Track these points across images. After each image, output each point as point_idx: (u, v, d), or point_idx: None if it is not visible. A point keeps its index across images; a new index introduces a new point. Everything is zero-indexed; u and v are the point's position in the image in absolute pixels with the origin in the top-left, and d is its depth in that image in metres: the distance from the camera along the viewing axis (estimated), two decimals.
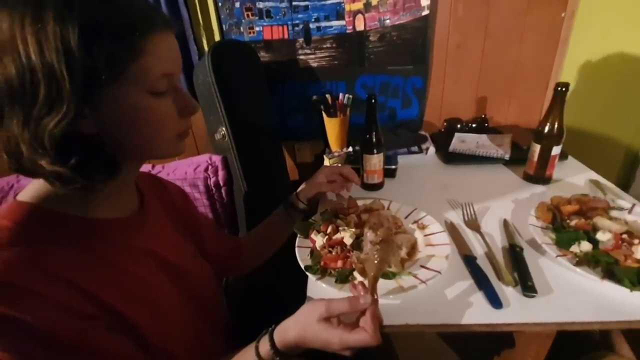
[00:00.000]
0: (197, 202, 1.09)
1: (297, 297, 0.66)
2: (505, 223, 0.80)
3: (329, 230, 0.75)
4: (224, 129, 1.03)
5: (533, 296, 0.60)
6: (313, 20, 1.14)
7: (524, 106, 1.25)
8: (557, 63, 1.17)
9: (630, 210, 0.76)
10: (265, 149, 1.21)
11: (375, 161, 0.94)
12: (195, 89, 1.07)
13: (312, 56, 1.20)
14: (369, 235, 0.68)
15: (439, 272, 0.65)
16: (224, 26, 1.17)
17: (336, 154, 1.19)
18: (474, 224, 0.80)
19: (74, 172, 0.42)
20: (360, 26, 1.15)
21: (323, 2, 1.12)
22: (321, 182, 0.85)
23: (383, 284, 0.63)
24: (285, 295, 0.81)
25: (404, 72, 1.21)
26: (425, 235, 0.76)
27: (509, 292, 0.63)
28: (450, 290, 0.64)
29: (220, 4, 1.14)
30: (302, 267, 0.68)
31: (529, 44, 1.15)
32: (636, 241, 0.63)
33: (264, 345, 0.51)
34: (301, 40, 1.17)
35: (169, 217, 0.64)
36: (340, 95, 1.18)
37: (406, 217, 0.83)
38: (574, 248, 0.67)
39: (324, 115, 1.17)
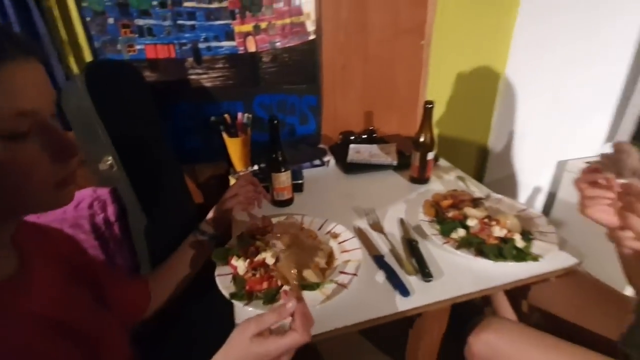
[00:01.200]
0: (83, 244, 0.93)
1: (223, 329, 0.63)
2: (402, 221, 0.93)
3: (249, 253, 0.74)
4: (110, 157, 0.91)
5: (430, 280, 0.72)
6: (202, 40, 1.11)
7: (402, 118, 1.45)
8: (422, 81, 1.40)
9: (486, 198, 0.98)
10: (164, 174, 1.11)
11: (283, 178, 0.97)
12: (66, 115, 0.92)
13: (205, 76, 1.16)
14: (277, 245, 0.70)
15: (355, 274, 0.71)
16: (95, 43, 1.04)
17: (241, 173, 1.18)
18: (377, 227, 0.90)
19: None
20: (251, 47, 1.17)
21: (211, 23, 1.10)
22: (228, 199, 0.84)
23: (310, 296, 0.66)
24: (208, 331, 0.76)
25: (299, 90, 1.28)
26: (339, 243, 0.82)
27: (412, 281, 0.73)
28: (366, 289, 0.71)
29: (88, 19, 1.01)
30: (227, 295, 0.66)
31: (400, 66, 1.35)
32: (493, 223, 0.81)
33: None
34: (191, 59, 1.13)
35: (56, 270, 0.54)
36: (239, 114, 1.18)
37: (319, 229, 0.88)
38: (454, 235, 0.82)
39: (225, 135, 1.15)
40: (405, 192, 1.09)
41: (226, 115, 1.17)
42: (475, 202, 0.91)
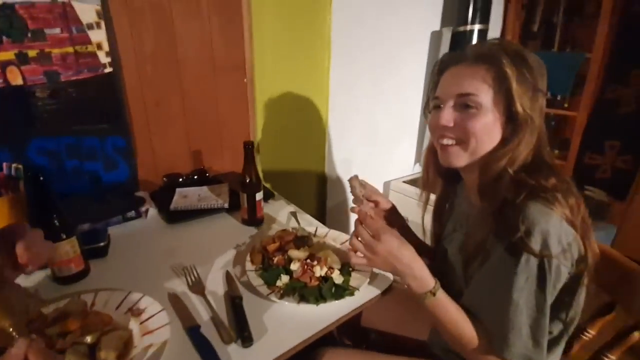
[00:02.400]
0: None
1: None
2: (228, 275, 0.83)
3: None
4: None
5: (250, 345, 0.64)
6: None
7: (235, 155, 1.39)
8: (251, 117, 1.38)
9: (310, 235, 0.98)
10: None
11: (66, 249, 0.75)
12: None
13: None
14: None
15: None
16: None
17: None
18: (198, 288, 0.78)
19: None
20: (17, 80, 0.90)
21: None
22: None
23: None
24: None
25: (98, 131, 1.06)
26: (142, 323, 0.66)
27: (232, 350, 0.63)
28: None
29: None
30: None
31: (225, 102, 1.30)
32: (315, 262, 0.80)
33: None
34: None
35: None
36: (4, 166, 0.88)
37: (117, 308, 0.69)
38: (279, 283, 0.77)
39: None
40: (237, 237, 1.00)
41: None
42: (299, 241, 0.89)
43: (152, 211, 1.10)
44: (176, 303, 0.74)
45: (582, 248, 0.57)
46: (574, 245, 0.57)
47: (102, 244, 0.89)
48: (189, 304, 0.74)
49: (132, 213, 1.05)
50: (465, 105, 0.64)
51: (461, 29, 1.64)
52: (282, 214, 1.16)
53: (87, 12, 0.95)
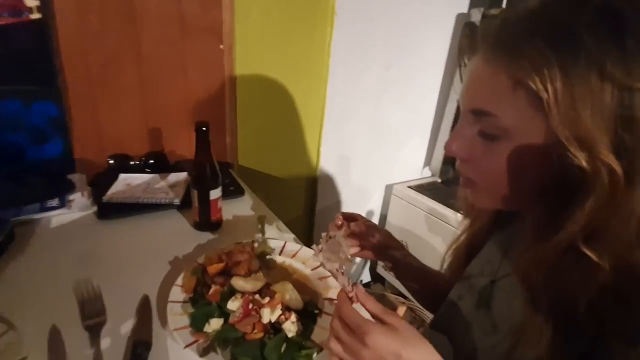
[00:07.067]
0: None
1: None
2: (144, 303, 0.60)
3: None
4: None
5: None
6: None
7: None
8: (227, 94, 1.14)
9: (280, 252, 0.75)
10: None
11: None
12: None
13: None
14: None
15: None
16: None
17: None
18: (93, 321, 0.55)
19: None
20: None
21: None
22: None
23: None
24: None
25: (24, 94, 0.83)
26: None
27: None
28: None
29: None
30: None
31: (195, 73, 1.06)
32: (266, 300, 0.56)
33: None
34: None
35: None
36: None
37: None
38: (207, 328, 0.53)
39: None
40: (182, 245, 0.77)
41: None
42: (252, 264, 0.65)
43: (83, 201, 0.86)
44: (55, 343, 0.51)
45: None
46: None
47: None
48: (72, 345, 0.51)
49: (54, 202, 0.83)
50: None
51: (493, 11, 1.36)
52: (251, 217, 0.92)
53: None
